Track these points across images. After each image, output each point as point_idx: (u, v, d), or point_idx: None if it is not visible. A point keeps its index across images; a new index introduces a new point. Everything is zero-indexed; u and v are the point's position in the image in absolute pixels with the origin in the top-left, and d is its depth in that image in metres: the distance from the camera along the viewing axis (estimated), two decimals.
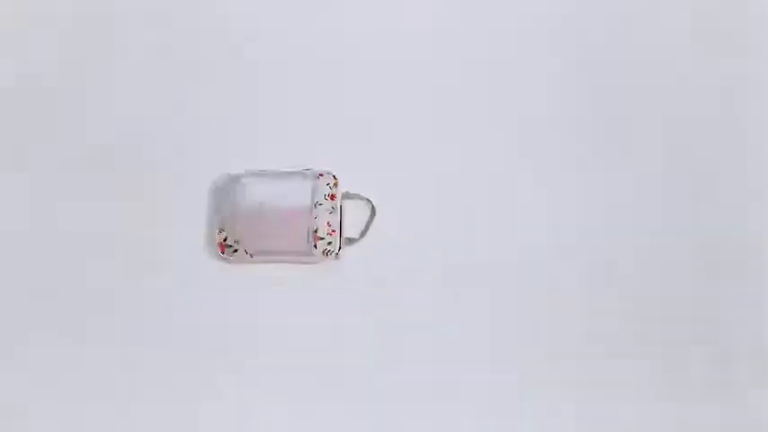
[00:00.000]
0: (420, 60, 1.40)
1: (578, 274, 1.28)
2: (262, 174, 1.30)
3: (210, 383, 1.24)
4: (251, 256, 1.27)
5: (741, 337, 1.25)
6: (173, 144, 1.36)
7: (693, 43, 1.39)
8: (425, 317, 1.27)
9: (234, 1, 1.44)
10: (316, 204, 1.27)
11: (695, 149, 1.34)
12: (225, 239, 1.28)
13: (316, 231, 1.26)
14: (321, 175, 1.30)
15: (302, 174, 1.30)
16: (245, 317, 1.27)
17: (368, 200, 1.31)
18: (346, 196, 1.31)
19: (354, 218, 1.31)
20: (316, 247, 1.26)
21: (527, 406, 1.23)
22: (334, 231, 1.27)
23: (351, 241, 1.29)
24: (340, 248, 1.27)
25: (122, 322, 1.28)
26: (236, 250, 1.27)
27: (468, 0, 1.44)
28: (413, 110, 1.37)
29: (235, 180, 1.30)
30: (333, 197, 1.29)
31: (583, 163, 1.34)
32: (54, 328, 1.28)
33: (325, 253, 1.27)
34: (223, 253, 1.28)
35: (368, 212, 1.31)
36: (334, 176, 1.31)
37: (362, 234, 1.30)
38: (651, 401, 1.23)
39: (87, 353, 1.26)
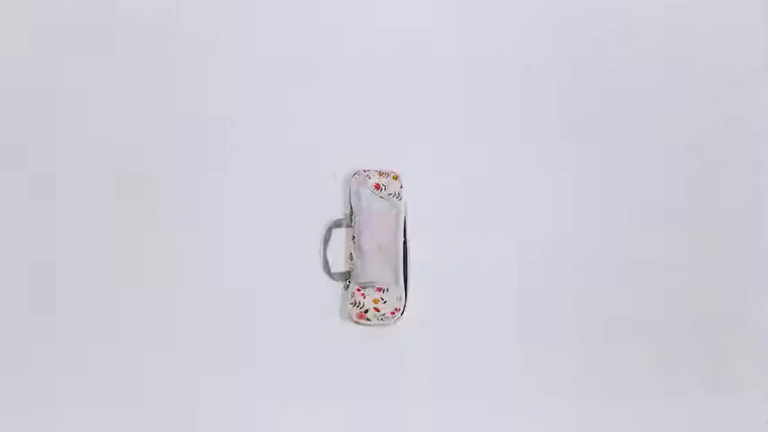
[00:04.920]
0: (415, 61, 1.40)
1: (577, 273, 1.29)
2: None
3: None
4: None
5: (741, 336, 1.26)
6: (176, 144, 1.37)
7: (693, 44, 1.40)
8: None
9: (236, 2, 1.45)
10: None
11: (695, 149, 1.34)
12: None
13: None
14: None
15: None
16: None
17: None
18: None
19: None
20: None
21: (526, 406, 1.24)
22: None
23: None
24: None
25: (122, 321, 1.29)
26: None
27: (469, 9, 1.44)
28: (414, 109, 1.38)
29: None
30: None
31: (583, 161, 1.34)
32: (53, 330, 1.29)
33: None
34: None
35: None
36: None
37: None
38: (650, 401, 1.24)
39: (87, 353, 1.28)
